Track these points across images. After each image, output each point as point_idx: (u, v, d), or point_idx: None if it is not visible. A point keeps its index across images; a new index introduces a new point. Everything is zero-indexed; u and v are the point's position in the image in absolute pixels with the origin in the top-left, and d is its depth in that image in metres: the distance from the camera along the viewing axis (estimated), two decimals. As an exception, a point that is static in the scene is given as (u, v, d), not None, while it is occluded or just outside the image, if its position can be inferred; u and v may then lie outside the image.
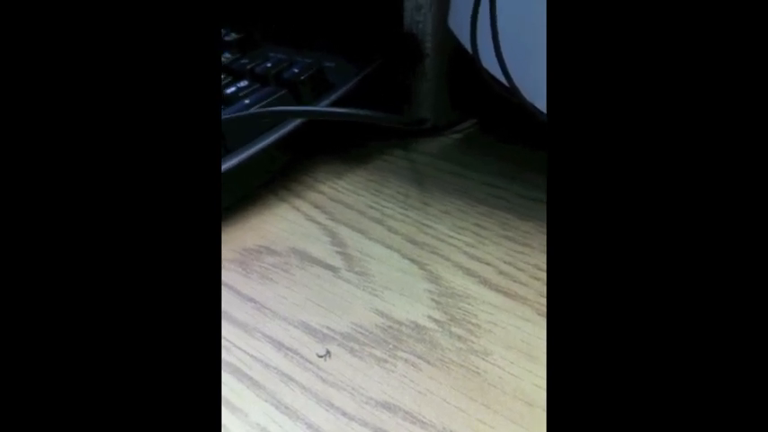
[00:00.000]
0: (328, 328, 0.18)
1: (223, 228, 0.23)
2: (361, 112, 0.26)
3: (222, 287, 0.20)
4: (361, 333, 0.18)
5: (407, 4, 0.28)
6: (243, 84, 0.28)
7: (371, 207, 0.24)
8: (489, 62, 0.24)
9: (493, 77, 0.24)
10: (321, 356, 0.17)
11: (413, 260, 0.21)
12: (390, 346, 0.17)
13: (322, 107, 0.27)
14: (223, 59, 0.32)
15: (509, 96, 0.24)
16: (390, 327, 0.18)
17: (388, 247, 0.22)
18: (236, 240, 0.23)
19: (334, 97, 0.28)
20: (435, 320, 0.18)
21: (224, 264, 0.21)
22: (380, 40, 0.30)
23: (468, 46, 0.25)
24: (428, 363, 0.17)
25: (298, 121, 0.26)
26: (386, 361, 0.17)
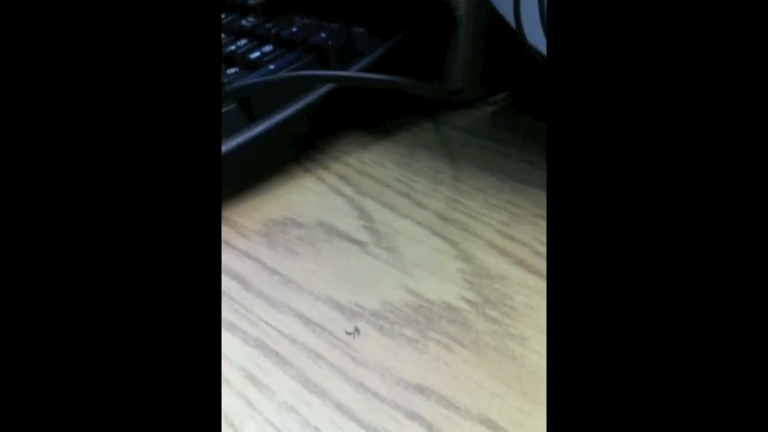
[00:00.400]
0: (357, 304, 0.17)
1: (247, 198, 0.23)
2: (394, 78, 0.25)
3: (248, 259, 0.20)
4: (390, 311, 0.17)
5: (443, -32, 0.26)
6: (268, 48, 0.27)
7: (399, 181, 0.23)
8: (529, 33, 0.23)
9: (534, 49, 0.23)
10: (350, 334, 0.16)
11: (444, 237, 0.20)
12: (421, 326, 0.17)
13: (354, 72, 0.26)
14: (247, 24, 0.30)
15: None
16: (421, 306, 0.17)
17: (418, 223, 0.21)
18: (261, 211, 0.22)
19: (362, 64, 0.26)
20: (468, 301, 0.17)
21: (249, 235, 0.21)
22: (411, 7, 0.28)
23: (504, 14, 0.24)
24: (462, 345, 0.16)
25: (325, 89, 0.25)
26: (417, 341, 0.16)
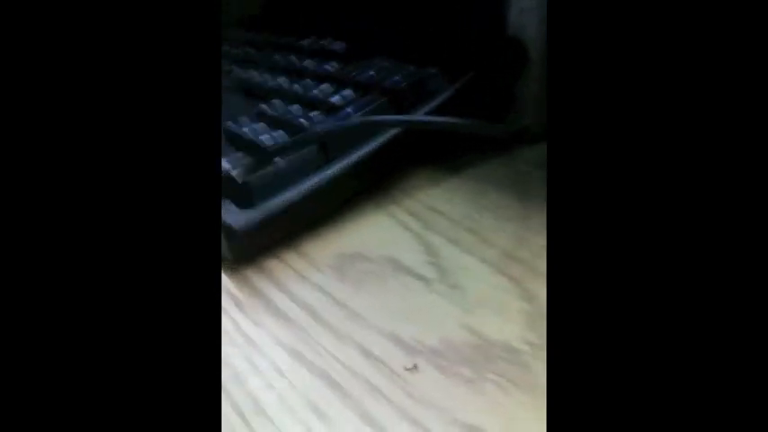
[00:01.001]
0: (417, 341, 0.18)
1: (322, 232, 0.24)
2: (460, 121, 0.25)
3: (319, 291, 0.21)
4: (449, 349, 0.18)
5: (512, 8, 0.27)
6: (346, 92, 0.29)
7: (467, 217, 0.24)
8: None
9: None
10: (408, 370, 0.17)
11: (509, 276, 0.20)
12: (480, 366, 0.17)
13: (421, 116, 0.27)
14: (329, 68, 0.33)
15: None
16: (480, 346, 0.18)
17: (483, 260, 0.21)
18: (335, 245, 0.23)
19: (434, 105, 0.27)
20: (529, 343, 0.17)
21: (321, 268, 0.22)
22: (483, 46, 0.29)
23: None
24: (518, 387, 0.16)
25: (397, 130, 0.26)
26: (474, 381, 0.16)
